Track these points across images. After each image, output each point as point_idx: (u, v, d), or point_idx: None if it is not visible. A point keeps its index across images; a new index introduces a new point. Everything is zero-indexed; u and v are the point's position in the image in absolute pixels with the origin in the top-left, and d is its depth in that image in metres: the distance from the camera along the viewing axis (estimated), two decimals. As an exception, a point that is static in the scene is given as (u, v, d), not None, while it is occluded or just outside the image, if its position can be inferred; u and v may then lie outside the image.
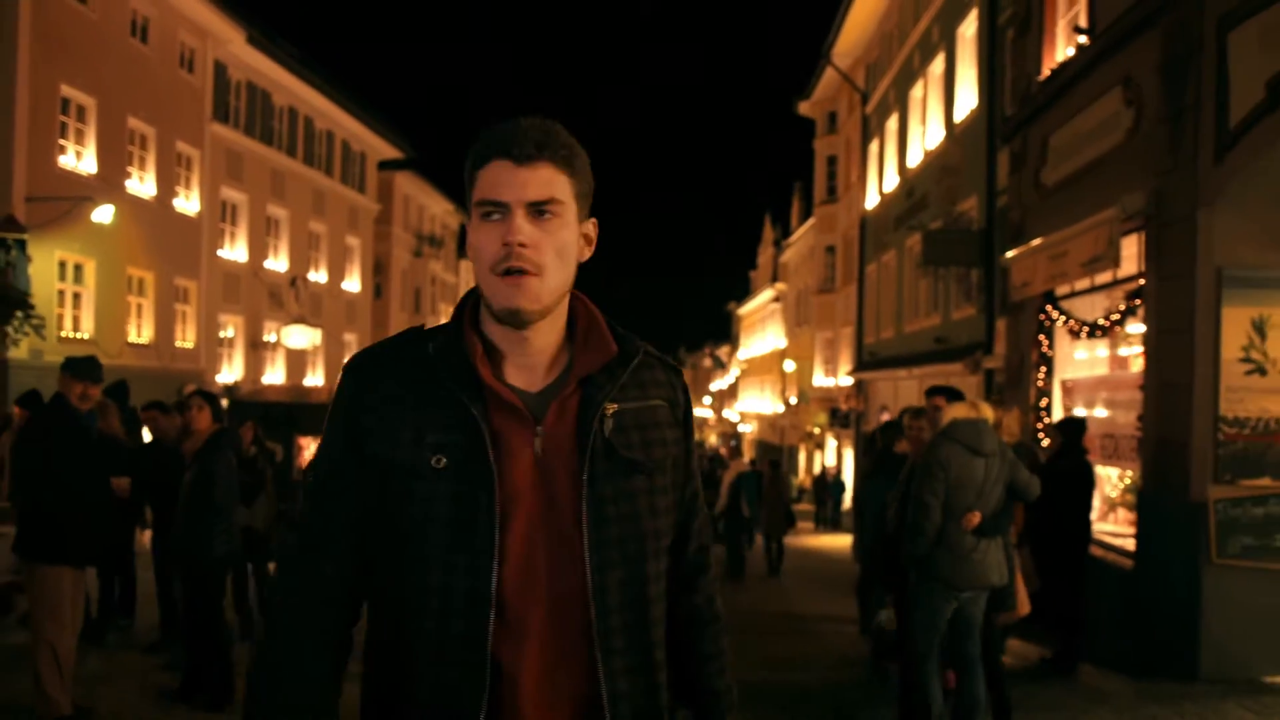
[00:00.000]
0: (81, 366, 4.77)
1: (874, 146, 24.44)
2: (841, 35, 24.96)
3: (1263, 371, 6.07)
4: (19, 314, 8.25)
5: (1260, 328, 6.05)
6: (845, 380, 27.59)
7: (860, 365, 24.91)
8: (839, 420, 27.60)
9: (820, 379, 32.23)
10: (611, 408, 1.48)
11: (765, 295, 47.16)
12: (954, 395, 5.05)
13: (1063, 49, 8.77)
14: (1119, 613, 6.80)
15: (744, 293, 56.67)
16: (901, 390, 20.39)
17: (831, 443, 31.16)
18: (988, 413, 4.65)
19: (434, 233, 39.23)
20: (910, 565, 4.67)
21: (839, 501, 24.75)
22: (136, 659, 6.46)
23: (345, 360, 1.36)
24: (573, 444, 1.46)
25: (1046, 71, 9.01)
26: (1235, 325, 6.07)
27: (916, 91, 20.22)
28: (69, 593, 4.73)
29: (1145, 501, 6.81)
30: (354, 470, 1.46)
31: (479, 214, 1.44)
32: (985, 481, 4.53)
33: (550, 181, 1.43)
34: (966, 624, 4.65)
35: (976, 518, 4.50)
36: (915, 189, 19.88)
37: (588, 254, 1.53)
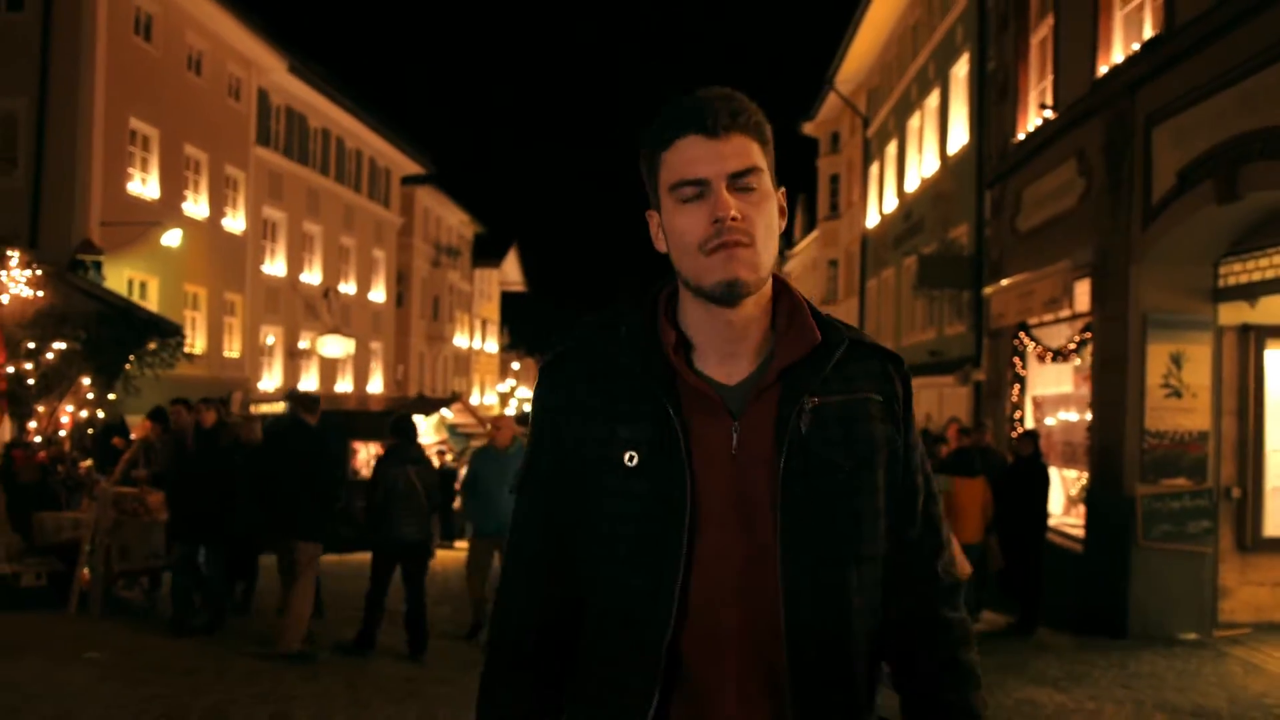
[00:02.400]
0: (316, 401, 6.69)
1: (874, 169, 26.01)
2: (845, 63, 26.50)
3: (1178, 395, 7.71)
4: (172, 341, 9.79)
5: (1177, 360, 7.69)
6: (847, 388, 29.18)
7: (861, 374, 26.46)
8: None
9: (823, 386, 33.82)
10: (812, 401, 1.39)
11: (769, 303, 48.63)
12: None
13: (1033, 118, 10.39)
14: (1070, 586, 8.43)
15: (747, 299, 58.05)
16: (899, 398, 21.97)
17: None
18: None
19: (451, 243, 40.87)
20: None
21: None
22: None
23: (541, 360, 1.44)
24: (771, 440, 1.37)
25: (1020, 135, 10.64)
26: (1157, 358, 7.71)
27: (914, 122, 21.78)
28: (317, 559, 6.56)
29: (1091, 497, 8.46)
30: (555, 476, 1.44)
31: (675, 198, 1.37)
32: None
33: (748, 150, 1.36)
34: None
35: None
36: (913, 212, 21.44)
37: (783, 224, 1.44)
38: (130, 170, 18.80)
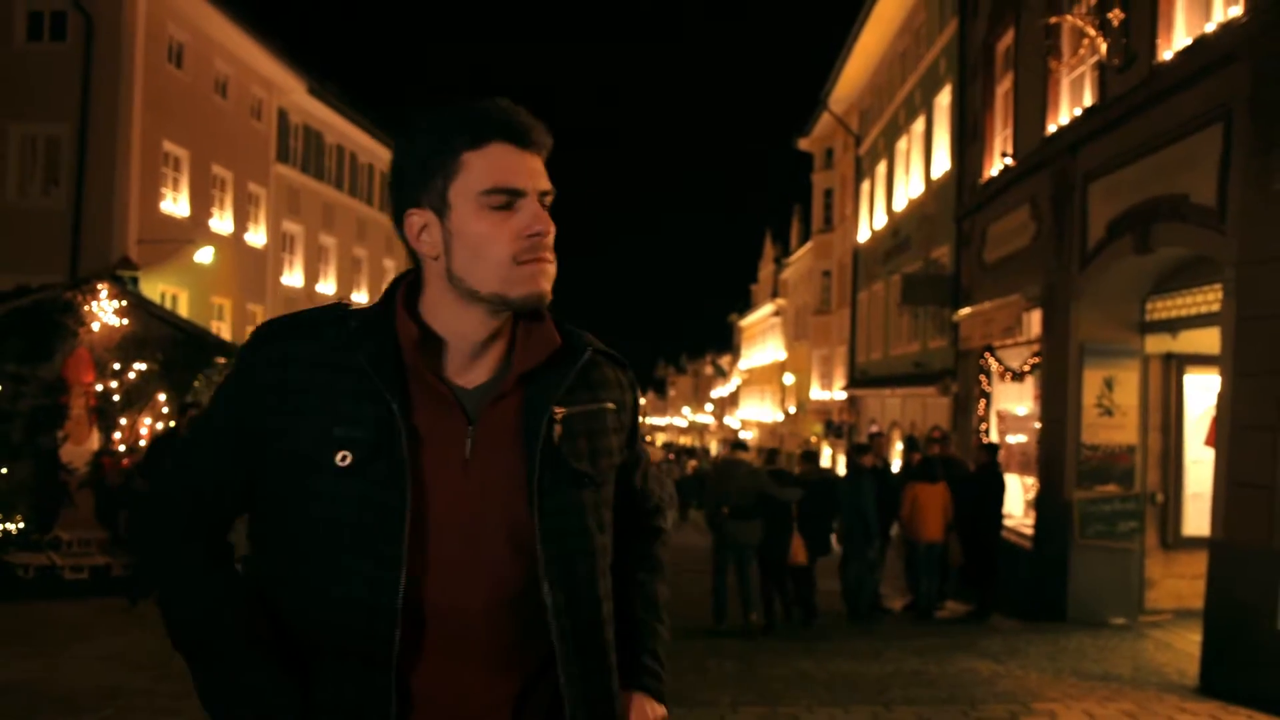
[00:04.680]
0: None
1: (865, 186, 27.18)
2: (839, 84, 27.70)
3: (1109, 413, 8.96)
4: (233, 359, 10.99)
5: (1109, 383, 8.95)
6: (839, 394, 30.44)
7: (852, 382, 27.66)
8: (833, 431, 30.39)
9: (816, 392, 35.09)
10: (560, 412, 1.37)
11: (766, 309, 49.89)
12: (739, 446, 9.67)
13: (997, 162, 11.64)
14: (1021, 578, 9.67)
15: (745, 302, 59.36)
16: (888, 406, 23.22)
17: (827, 451, 34.00)
18: (746, 456, 9.31)
19: (457, 252, 42.13)
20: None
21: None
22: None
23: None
24: (514, 448, 1.34)
25: (986, 176, 11.89)
26: (1092, 381, 8.97)
27: (902, 144, 22.94)
28: None
29: (1039, 501, 9.71)
30: (229, 445, 1.34)
31: (481, 203, 1.31)
32: (734, 491, 8.64)
33: (545, 171, 1.37)
34: (743, 562, 8.91)
35: (726, 510, 8.66)
36: (900, 230, 22.61)
37: None
38: (163, 190, 19.99)
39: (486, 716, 1.35)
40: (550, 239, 1.34)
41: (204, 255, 19.19)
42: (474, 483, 1.33)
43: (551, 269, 1.35)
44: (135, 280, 17.67)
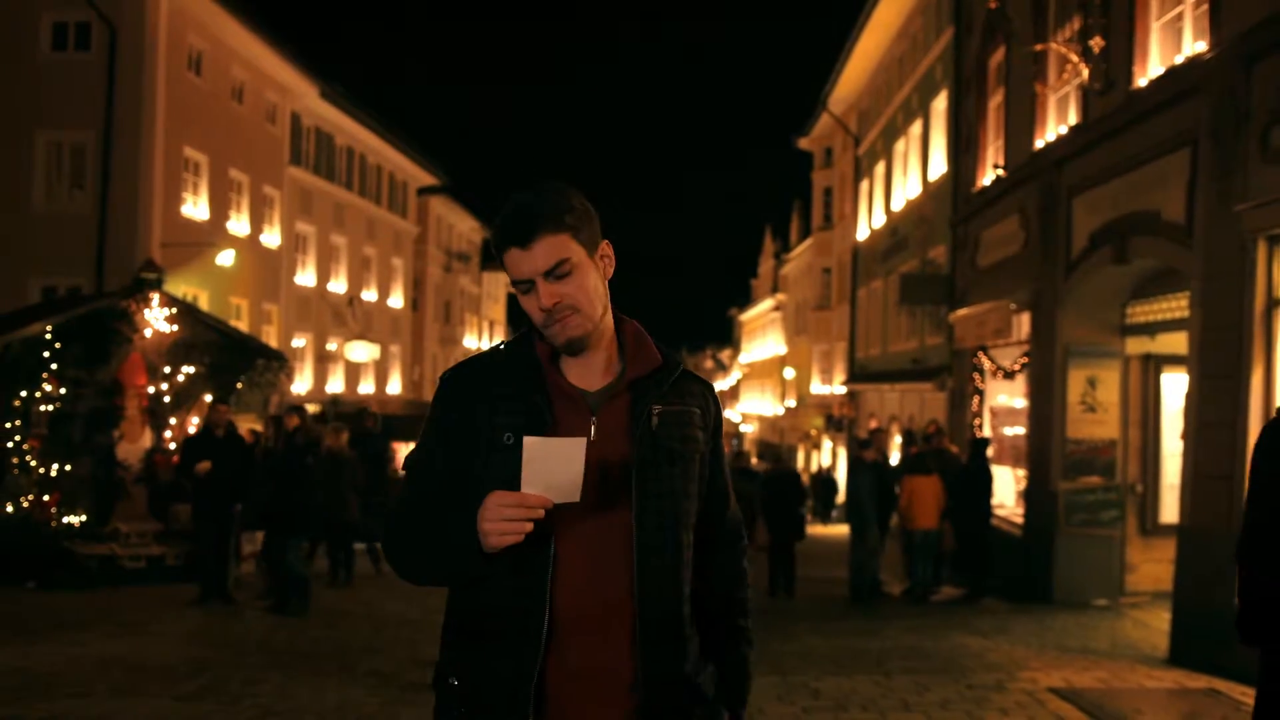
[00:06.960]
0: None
1: (864, 185, 27.76)
2: (838, 86, 28.27)
3: (1092, 409, 9.67)
4: (275, 363, 11.64)
5: (1092, 383, 9.65)
6: (839, 389, 31.11)
7: (852, 377, 28.29)
8: (833, 425, 31.04)
9: (817, 386, 35.76)
10: (657, 408, 1.82)
11: (766, 304, 50.43)
12: None
13: (989, 172, 12.32)
14: (1011, 564, 10.38)
15: (745, 296, 59.92)
16: (887, 401, 23.89)
17: (827, 444, 34.69)
18: None
19: (462, 249, 42.71)
20: None
21: (831, 497, 27.90)
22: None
23: (440, 372, 1.84)
24: (623, 434, 1.78)
25: (979, 185, 12.57)
26: (1076, 381, 9.67)
27: (900, 146, 23.51)
28: None
29: (1028, 491, 10.42)
30: (441, 456, 1.83)
31: (518, 290, 1.79)
32: None
33: (554, 247, 1.73)
34: None
35: None
36: (898, 230, 23.22)
37: (611, 270, 1.86)
38: (184, 194, 20.60)
39: (612, 625, 1.74)
40: (561, 301, 1.75)
41: (226, 258, 19.79)
42: (597, 460, 1.73)
43: (572, 320, 1.76)
44: (159, 282, 18.38)
